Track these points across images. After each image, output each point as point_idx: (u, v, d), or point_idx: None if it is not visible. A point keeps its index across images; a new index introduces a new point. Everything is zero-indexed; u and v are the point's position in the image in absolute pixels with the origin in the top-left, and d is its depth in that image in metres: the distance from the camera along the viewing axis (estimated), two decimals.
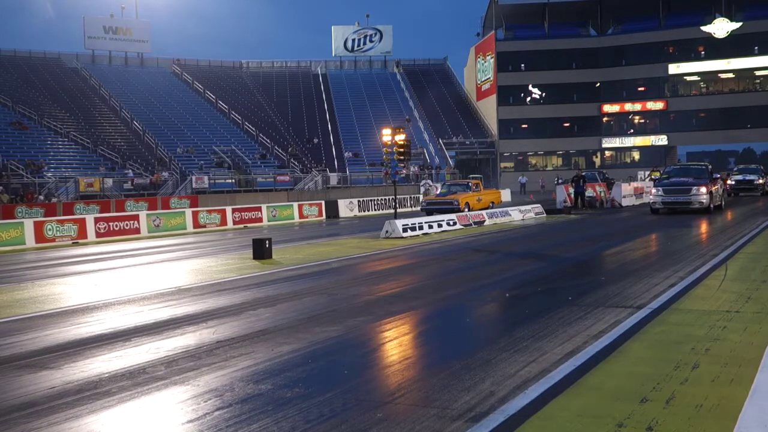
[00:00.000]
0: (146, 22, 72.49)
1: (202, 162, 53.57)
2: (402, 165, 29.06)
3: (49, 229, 25.04)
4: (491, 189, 39.77)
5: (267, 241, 16.75)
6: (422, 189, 46.09)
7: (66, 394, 6.05)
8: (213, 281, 13.10)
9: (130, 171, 48.11)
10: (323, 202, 37.98)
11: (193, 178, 48.16)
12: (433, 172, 57.91)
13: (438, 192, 35.41)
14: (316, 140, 64.43)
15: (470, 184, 33.96)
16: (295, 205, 36.63)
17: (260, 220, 33.39)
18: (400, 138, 28.11)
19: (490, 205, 32.47)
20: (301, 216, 35.58)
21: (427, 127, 68.69)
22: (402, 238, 20.79)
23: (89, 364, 7.07)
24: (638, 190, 38.44)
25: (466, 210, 29.54)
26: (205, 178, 48.67)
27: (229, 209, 32.98)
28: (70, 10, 67.79)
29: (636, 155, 79.06)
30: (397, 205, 32.90)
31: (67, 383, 6.41)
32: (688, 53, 75.33)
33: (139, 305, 10.73)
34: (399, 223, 21.74)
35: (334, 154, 62.43)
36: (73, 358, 7.35)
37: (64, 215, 30.12)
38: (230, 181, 50.08)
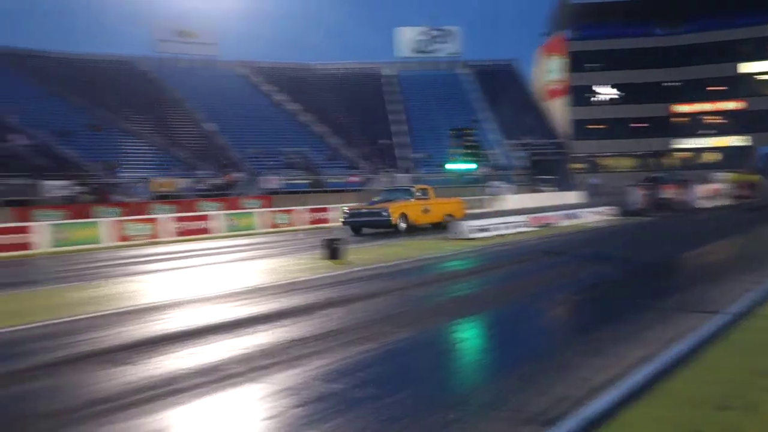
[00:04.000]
0: (215, 25, 73.64)
1: (273, 163, 54.19)
2: (472, 167, 28.56)
3: (126, 229, 25.68)
4: (449, 198, 30.12)
5: (339, 242, 16.82)
6: (490, 191, 45.82)
7: (142, 390, 6.18)
8: (286, 281, 13.21)
9: (203, 172, 48.94)
10: None
11: (265, 178, 48.73)
12: (502, 173, 57.47)
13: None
14: (384, 141, 64.58)
15: (413, 190, 26.78)
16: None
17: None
18: (468, 139, 27.81)
19: (446, 218, 25.49)
20: None
21: (496, 128, 68.16)
22: (471, 239, 20.68)
23: (164, 361, 7.21)
24: (715, 192, 37.48)
25: (401, 223, 24.12)
26: (277, 178, 49.19)
27: (300, 209, 33.32)
28: (140, 15, 69.24)
29: (711, 156, 77.07)
30: (467, 207, 32.46)
31: (142, 379, 6.56)
32: (763, 51, 73.07)
33: (213, 304, 10.90)
34: (468, 224, 21.64)
35: (403, 155, 62.43)
36: (148, 354, 7.49)
37: (140, 215, 30.82)
38: (301, 181, 50.52)
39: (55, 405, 5.88)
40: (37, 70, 55.30)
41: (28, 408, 5.85)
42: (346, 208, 26.52)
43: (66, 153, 43.46)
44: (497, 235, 21.68)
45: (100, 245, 24.28)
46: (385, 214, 24.04)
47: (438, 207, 26.22)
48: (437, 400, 5.72)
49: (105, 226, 25.70)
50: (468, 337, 8.29)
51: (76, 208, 32.81)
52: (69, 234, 24.35)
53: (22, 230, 23.77)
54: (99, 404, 5.83)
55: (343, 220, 25.59)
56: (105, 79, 59.29)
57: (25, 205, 31.82)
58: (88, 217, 29.40)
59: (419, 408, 5.46)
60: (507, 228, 22.86)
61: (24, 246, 22.77)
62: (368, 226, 24.66)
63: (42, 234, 23.71)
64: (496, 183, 47.97)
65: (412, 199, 25.35)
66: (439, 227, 24.33)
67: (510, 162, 62.37)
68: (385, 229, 23.83)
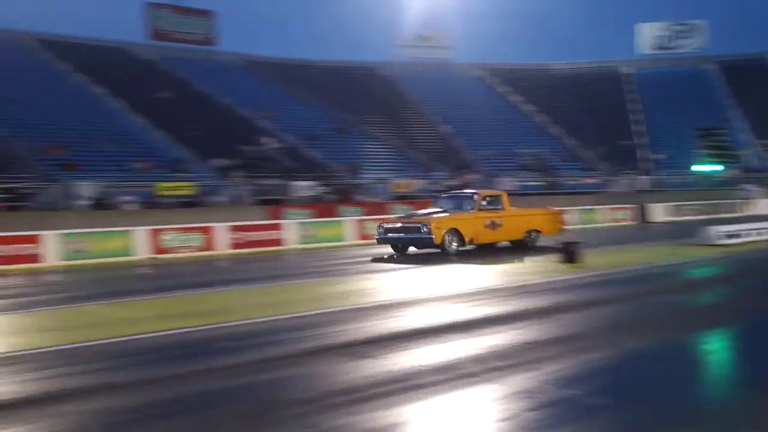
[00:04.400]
0: (452, 29, 74.75)
1: (507, 164, 54.14)
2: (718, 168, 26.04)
3: (367, 228, 26.70)
4: (535, 208, 24.15)
5: (575, 245, 16.47)
6: (742, 194, 42.87)
7: (380, 384, 6.39)
8: (520, 283, 13.16)
9: (439, 173, 49.84)
10: (633, 206, 36.68)
11: (499, 180, 48.80)
12: (755, 176, 53.53)
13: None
14: (624, 142, 62.42)
15: (476, 197, 20.36)
16: (604, 208, 35.80)
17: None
18: (716, 139, 25.22)
19: (529, 235, 20.85)
20: (610, 219, 34.67)
21: (748, 128, 63.66)
22: (719, 245, 19.45)
23: (401, 357, 7.40)
24: None
25: (452, 243, 18.77)
26: (512, 180, 49.08)
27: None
28: (381, 20, 71.45)
29: None
30: (716, 211, 30.72)
31: (380, 373, 6.76)
32: None
33: (447, 303, 11.08)
34: (716, 229, 20.38)
35: (644, 157, 60.04)
36: (387, 350, 7.71)
37: (380, 214, 31.84)
38: (537, 183, 50.02)
39: (298, 394, 6.23)
40: (286, 77, 59.03)
41: (273, 395, 6.24)
42: (392, 218, 21.50)
43: (313, 155, 46.04)
44: (750, 242, 20.23)
45: (344, 243, 25.39)
46: (425, 230, 18.62)
47: (514, 221, 20.46)
48: (676, 413, 5.47)
49: (348, 224, 26.93)
50: (713, 349, 7.84)
51: (321, 207, 34.60)
52: (315, 232, 25.77)
53: (275, 228, 25.48)
54: (338, 395, 6.09)
55: (377, 236, 20.39)
56: (348, 84, 62.05)
57: (276, 204, 34.00)
58: (332, 216, 30.88)
59: (656, 420, 5.25)
60: (760, 234, 21.29)
61: (276, 242, 24.37)
62: (407, 244, 19.83)
63: (291, 232, 25.26)
64: (747, 186, 44.77)
65: (473, 210, 19.73)
66: (520, 247, 20.45)
67: (763, 164, 58.07)
68: (430, 250, 19.00)
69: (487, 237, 19.73)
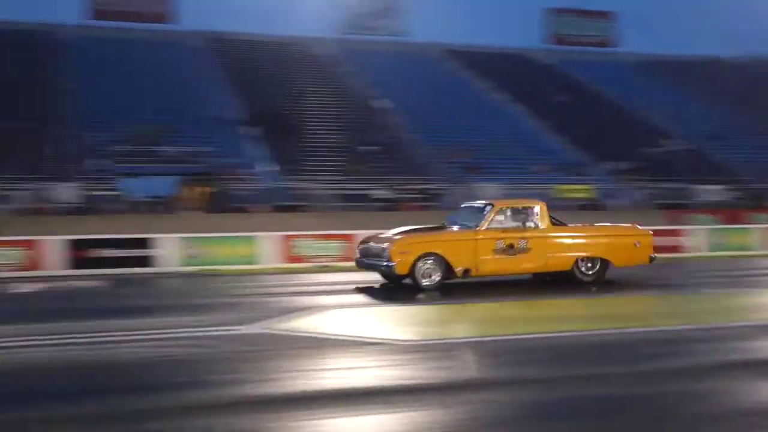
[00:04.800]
0: None
1: None
2: None
3: None
4: (610, 225, 15.71)
5: None
6: None
7: None
8: None
9: None
10: None
11: None
12: None
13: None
14: None
15: (488, 210, 13.99)
16: None
17: None
18: None
19: (585, 265, 14.27)
20: None
21: None
22: None
23: None
24: None
25: (430, 274, 13.32)
26: None
27: None
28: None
29: None
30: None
31: None
32: None
33: None
34: None
35: None
36: None
37: None
38: None
39: (706, 409, 5.91)
40: (688, 75, 56.27)
41: (677, 408, 5.96)
42: (372, 235, 15.21)
43: (719, 157, 43.21)
44: None
45: (754, 252, 23.49)
46: (385, 254, 13.52)
47: (551, 244, 14.07)
48: None
49: (756, 233, 24.95)
50: None
51: (727, 213, 32.61)
52: (723, 239, 24.29)
53: (675, 233, 24.42)
54: (753, 415, 5.71)
55: (356, 258, 15.29)
56: (760, 80, 57.31)
57: (676, 209, 32.78)
58: (739, 223, 28.90)
59: None
60: None
61: (676, 249, 23.35)
62: (378, 272, 14.29)
63: (695, 238, 24.05)
64: None
65: (475, 228, 13.73)
66: (564, 280, 14.29)
67: None
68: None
69: (497, 266, 13.80)
